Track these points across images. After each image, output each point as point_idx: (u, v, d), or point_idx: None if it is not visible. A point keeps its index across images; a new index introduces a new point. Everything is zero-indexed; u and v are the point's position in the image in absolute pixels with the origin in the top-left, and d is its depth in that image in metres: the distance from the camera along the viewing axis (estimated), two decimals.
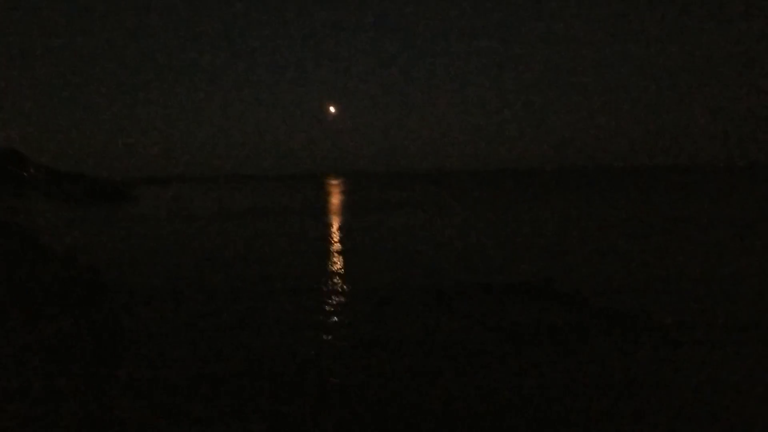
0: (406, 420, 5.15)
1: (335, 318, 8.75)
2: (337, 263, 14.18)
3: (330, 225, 25.28)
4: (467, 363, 6.54)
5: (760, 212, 27.10)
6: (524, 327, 7.70)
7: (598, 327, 7.72)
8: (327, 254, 15.81)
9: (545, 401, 5.52)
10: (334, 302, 9.78)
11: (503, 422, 5.12)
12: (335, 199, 51.64)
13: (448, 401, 5.55)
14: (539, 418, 5.19)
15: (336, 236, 20.55)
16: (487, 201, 42.29)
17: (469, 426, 5.04)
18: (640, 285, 10.53)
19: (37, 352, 6.62)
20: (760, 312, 8.65)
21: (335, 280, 11.82)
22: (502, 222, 24.33)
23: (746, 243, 16.47)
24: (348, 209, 36.57)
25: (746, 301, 9.29)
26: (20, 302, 8.72)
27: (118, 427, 4.96)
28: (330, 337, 7.69)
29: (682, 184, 63.45)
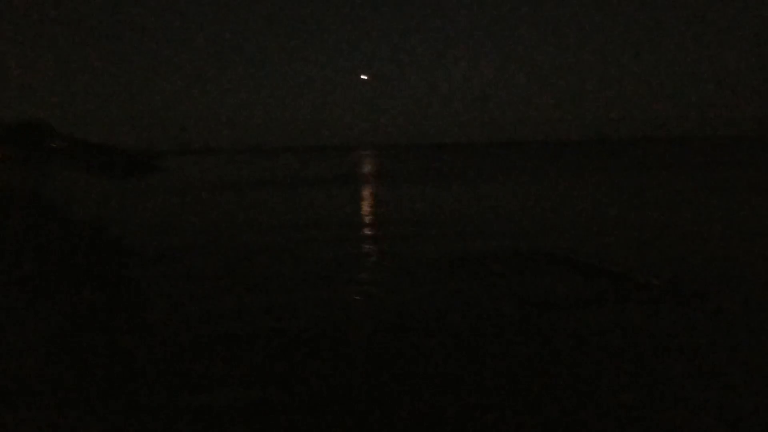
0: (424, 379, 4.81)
1: (362, 286, 8.06)
2: (368, 230, 13.39)
3: (361, 194, 24.29)
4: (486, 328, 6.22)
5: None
6: (544, 294, 7.60)
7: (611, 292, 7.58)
8: (358, 221, 15.05)
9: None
10: (362, 269, 9.13)
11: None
12: (367, 169, 50.67)
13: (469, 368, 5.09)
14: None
15: (367, 204, 19.49)
16: (522, 172, 41.69)
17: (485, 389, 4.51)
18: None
19: (57, 323, 6.49)
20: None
21: (365, 246, 11.12)
22: (530, 193, 23.73)
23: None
24: (379, 179, 35.62)
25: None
26: (45, 273, 8.61)
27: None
28: (355, 308, 7.04)
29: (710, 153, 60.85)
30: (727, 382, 4.75)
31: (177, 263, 10.04)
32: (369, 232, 13.10)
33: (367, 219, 15.62)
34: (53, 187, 33.60)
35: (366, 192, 25.16)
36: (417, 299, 7.41)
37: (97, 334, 6.16)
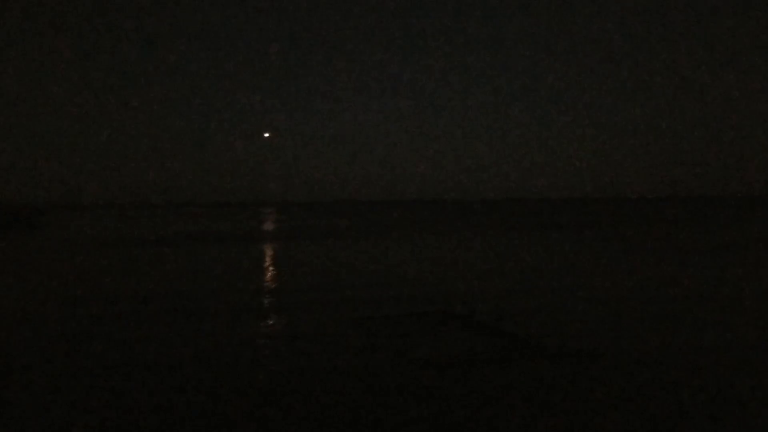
0: None
1: (254, 352, 7.40)
2: (267, 294, 12.71)
3: (261, 252, 23.47)
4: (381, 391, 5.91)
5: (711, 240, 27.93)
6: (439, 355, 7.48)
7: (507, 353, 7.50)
8: (255, 283, 14.32)
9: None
10: (256, 335, 8.48)
11: None
12: (267, 227, 49.61)
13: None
14: None
15: (266, 263, 18.76)
16: (432, 229, 42.47)
17: None
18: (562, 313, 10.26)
19: None
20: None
21: (264, 313, 10.48)
22: (433, 251, 24.14)
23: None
24: (280, 236, 34.86)
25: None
26: None
27: None
28: (244, 380, 6.31)
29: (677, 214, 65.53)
30: None
31: (40, 331, 8.89)
32: (268, 298, 12.43)
33: (267, 281, 14.95)
34: None
35: (268, 250, 24.38)
36: (312, 364, 7.00)
37: None
